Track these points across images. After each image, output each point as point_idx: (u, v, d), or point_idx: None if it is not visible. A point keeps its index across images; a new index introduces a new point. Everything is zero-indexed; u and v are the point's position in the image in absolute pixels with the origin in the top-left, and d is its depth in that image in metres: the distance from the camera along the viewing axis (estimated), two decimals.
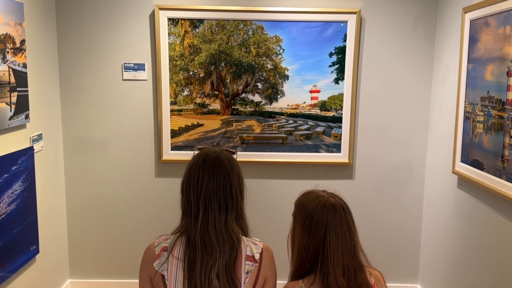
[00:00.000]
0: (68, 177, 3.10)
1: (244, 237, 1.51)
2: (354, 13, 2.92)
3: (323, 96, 3.04)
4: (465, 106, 2.49)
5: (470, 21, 2.45)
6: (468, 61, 2.46)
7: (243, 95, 3.06)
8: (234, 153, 1.67)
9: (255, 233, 1.64)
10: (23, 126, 2.50)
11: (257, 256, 1.47)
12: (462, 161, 2.52)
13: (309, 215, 1.46)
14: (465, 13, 2.50)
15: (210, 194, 1.48)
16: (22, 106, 2.43)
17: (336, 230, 1.43)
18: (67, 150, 3.07)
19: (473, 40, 2.42)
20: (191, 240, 1.45)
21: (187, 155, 2.99)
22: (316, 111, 3.07)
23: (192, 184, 1.50)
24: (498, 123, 2.15)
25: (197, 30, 2.96)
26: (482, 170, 2.29)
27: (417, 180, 3.13)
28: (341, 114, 3.05)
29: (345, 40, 2.96)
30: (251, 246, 1.49)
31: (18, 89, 2.38)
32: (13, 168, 2.34)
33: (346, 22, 2.94)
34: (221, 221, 1.47)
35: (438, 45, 2.96)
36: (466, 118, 2.48)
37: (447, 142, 2.76)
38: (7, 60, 2.28)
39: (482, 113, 2.30)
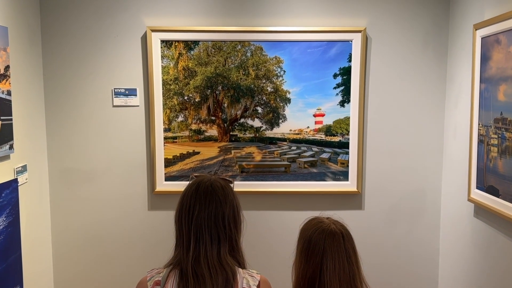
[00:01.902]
0: (54, 211, 3.17)
1: (240, 269, 1.59)
2: (359, 31, 3.04)
3: (328, 120, 3.13)
4: (478, 129, 2.58)
5: (481, 38, 2.56)
6: (481, 81, 2.56)
7: (242, 120, 3.15)
8: (231, 182, 1.75)
9: (256, 268, 1.70)
10: (7, 157, 2.60)
11: None
12: (477, 187, 2.59)
13: (307, 239, 1.56)
14: (476, 29, 2.61)
15: (201, 224, 1.56)
16: (6, 135, 2.53)
17: (333, 257, 1.51)
18: (53, 182, 3.16)
19: (485, 59, 2.53)
20: (183, 272, 1.53)
21: (182, 186, 3.03)
22: (321, 136, 3.16)
23: (183, 213, 1.59)
24: None
25: (192, 52, 3.08)
26: (498, 197, 2.36)
27: (432, 209, 3.19)
28: (348, 139, 3.13)
29: (350, 60, 3.07)
30: (247, 278, 1.56)
31: (2, 117, 2.49)
32: None
33: (351, 41, 3.05)
34: (214, 253, 1.55)
35: (450, 64, 3.06)
36: (480, 142, 2.57)
37: (463, 167, 2.82)
38: None
39: (496, 136, 2.39)
